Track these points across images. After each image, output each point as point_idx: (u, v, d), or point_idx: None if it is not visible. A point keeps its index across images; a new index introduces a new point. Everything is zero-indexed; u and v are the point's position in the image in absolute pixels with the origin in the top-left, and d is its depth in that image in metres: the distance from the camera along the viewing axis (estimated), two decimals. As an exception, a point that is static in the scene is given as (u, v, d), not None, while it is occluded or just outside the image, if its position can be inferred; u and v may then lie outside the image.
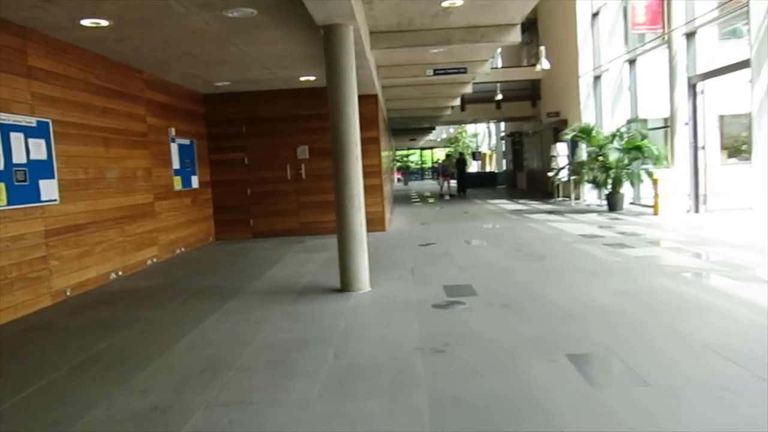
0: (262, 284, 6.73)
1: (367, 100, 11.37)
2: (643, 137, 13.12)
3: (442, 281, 6.29)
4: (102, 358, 4.24)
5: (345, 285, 6.02)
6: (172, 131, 9.64)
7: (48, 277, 6.19)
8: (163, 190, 9.26)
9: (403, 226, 12.30)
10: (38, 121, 6.16)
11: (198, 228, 10.73)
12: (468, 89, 14.66)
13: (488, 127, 38.75)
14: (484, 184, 29.58)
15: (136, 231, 8.25)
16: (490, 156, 37.18)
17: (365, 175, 11.09)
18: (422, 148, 48.70)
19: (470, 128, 42.09)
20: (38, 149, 6.14)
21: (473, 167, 38.32)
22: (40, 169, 6.15)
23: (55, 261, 6.33)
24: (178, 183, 9.84)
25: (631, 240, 8.70)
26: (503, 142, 30.96)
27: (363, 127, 11.05)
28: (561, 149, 17.21)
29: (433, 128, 31.52)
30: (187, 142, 10.36)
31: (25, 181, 5.88)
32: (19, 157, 5.82)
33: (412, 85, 13.73)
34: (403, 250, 8.87)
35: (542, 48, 16.47)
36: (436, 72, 10.23)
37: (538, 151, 22.61)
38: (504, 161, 31.53)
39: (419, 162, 51.20)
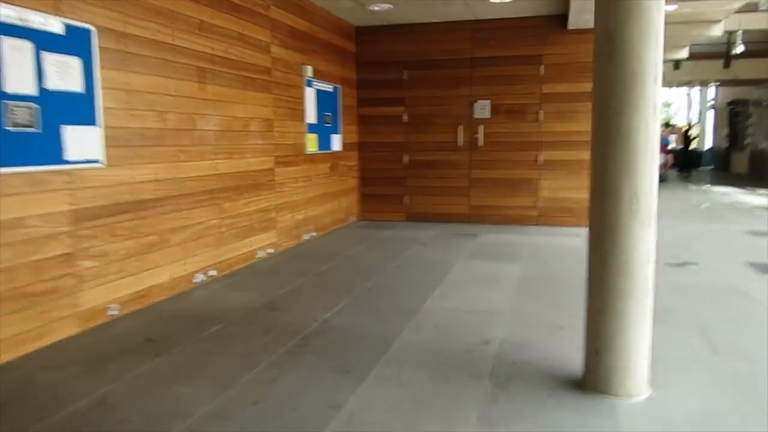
0: (419, 335, 3.75)
1: (583, 37, 7.91)
2: None
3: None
4: None
5: (596, 380, 2.81)
6: (309, 70, 6.93)
7: (72, 290, 3.72)
8: (290, 152, 6.62)
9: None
10: (69, 27, 3.62)
11: (336, 204, 8.07)
12: (716, 30, 10.43)
13: (688, 95, 32.44)
14: (684, 164, 24.22)
15: (244, 210, 5.68)
16: (688, 130, 31.03)
17: (568, 144, 7.70)
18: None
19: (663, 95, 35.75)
20: (66, 73, 3.60)
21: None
22: (68, 108, 3.63)
23: (90, 261, 3.85)
24: (312, 143, 7.17)
25: None
26: (712, 113, 25.17)
27: (573, 76, 7.64)
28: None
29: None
30: (329, 88, 7.63)
31: (30, 126, 3.38)
32: (19, 82, 3.31)
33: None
34: (647, 272, 5.41)
35: (739, 33, 11.71)
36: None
37: (775, 126, 17.30)
38: (711, 137, 25.75)
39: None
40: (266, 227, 6.14)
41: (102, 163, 3.90)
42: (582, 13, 7.01)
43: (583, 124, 7.98)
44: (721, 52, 16.79)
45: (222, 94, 5.27)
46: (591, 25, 7.37)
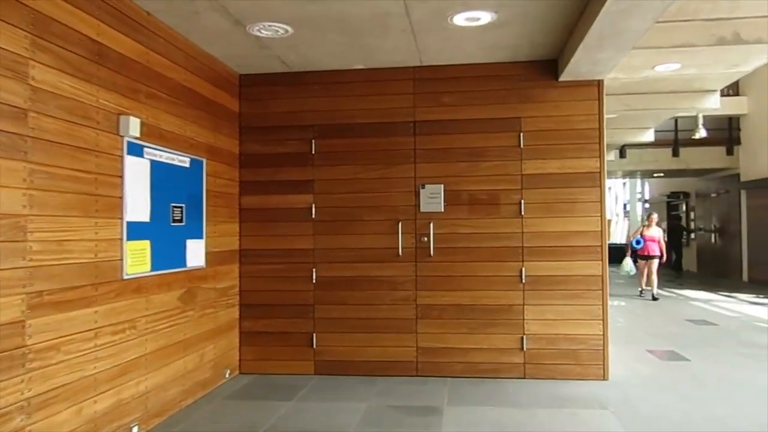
0: None
1: (584, 92, 5.30)
2: None
3: None
4: None
5: None
6: (133, 126, 3.76)
7: None
8: (77, 282, 3.29)
9: (632, 364, 5.81)
10: None
11: (196, 358, 4.69)
12: (711, 102, 8.34)
13: (609, 188, 31.75)
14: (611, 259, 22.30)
15: None
16: (615, 224, 30.02)
17: (565, 252, 4.90)
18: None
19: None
20: None
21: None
22: None
23: None
24: (139, 258, 3.88)
25: None
26: (645, 206, 23.96)
27: (569, 149, 4.91)
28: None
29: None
30: (182, 161, 4.48)
31: None
32: None
33: (628, 94, 7.53)
34: None
35: (700, 116, 10.68)
36: None
37: (729, 219, 15.69)
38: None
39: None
40: (-11, 460, 2.70)
41: None
42: (594, 51, 4.38)
43: (588, 221, 5.21)
44: (669, 140, 15.29)
45: None
46: (599, 74, 4.65)
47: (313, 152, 5.54)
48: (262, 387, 5.11)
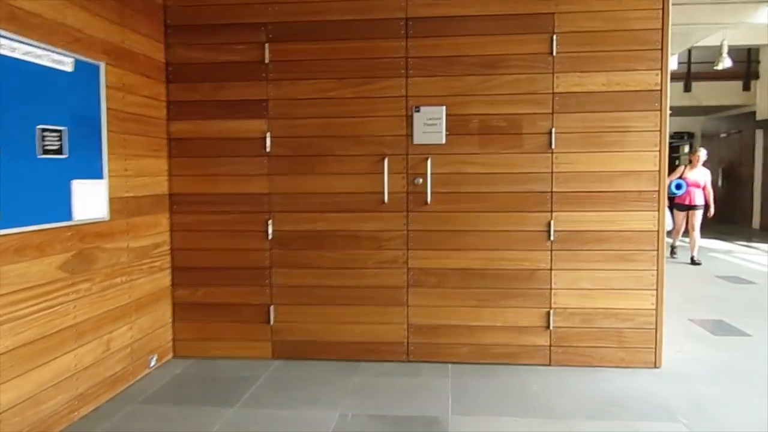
0: None
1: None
2: None
3: None
4: None
5: None
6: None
7: None
8: None
9: (680, 341, 4.55)
10: None
11: (100, 347, 3.31)
12: (765, 16, 6.87)
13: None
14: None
15: None
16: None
17: (625, 196, 3.49)
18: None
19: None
20: None
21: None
22: None
23: None
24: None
25: None
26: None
27: (618, 58, 3.36)
28: None
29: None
30: (60, 62, 2.95)
31: None
32: None
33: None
34: None
35: (724, 44, 9.35)
36: None
37: (740, 162, 14.47)
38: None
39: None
40: None
41: None
42: None
43: (642, 158, 3.83)
44: (681, 73, 13.84)
45: None
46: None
47: (267, 61, 4.02)
48: (197, 381, 3.77)
